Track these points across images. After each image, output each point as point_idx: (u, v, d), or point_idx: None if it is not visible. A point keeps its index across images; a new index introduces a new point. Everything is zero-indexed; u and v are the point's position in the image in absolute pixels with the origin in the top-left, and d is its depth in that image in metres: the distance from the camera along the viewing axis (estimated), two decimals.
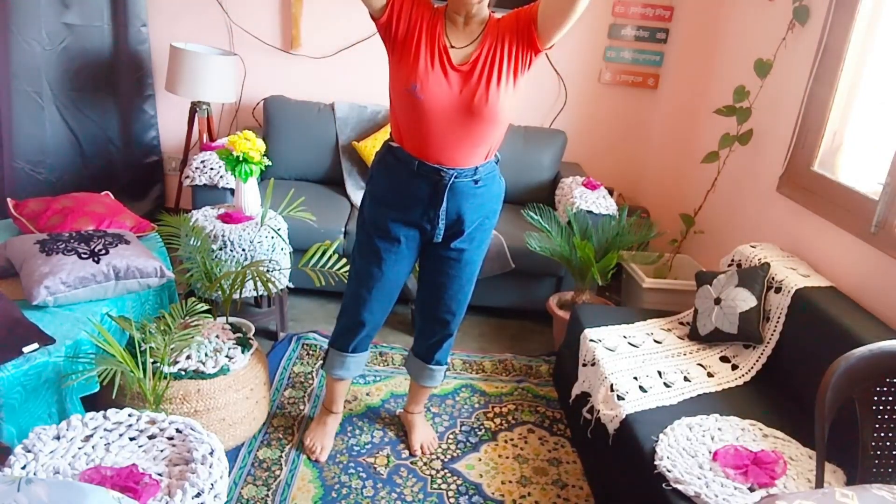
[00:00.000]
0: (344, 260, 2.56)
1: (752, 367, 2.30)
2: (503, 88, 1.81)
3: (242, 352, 2.19)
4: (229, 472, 1.89)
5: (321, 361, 2.30)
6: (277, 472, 2.15)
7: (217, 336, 2.26)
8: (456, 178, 1.90)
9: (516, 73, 1.83)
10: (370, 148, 3.38)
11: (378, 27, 1.84)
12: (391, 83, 1.89)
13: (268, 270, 2.57)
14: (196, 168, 3.01)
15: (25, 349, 1.78)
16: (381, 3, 1.78)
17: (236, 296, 2.51)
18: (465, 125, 1.84)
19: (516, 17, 1.82)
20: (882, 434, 1.53)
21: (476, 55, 1.81)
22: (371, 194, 2.03)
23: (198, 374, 2.06)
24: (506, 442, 2.41)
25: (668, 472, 1.76)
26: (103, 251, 2.17)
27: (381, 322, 2.17)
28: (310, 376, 2.66)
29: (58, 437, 1.59)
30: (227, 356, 2.16)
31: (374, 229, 2.01)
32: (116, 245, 2.22)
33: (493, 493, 2.17)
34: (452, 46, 1.82)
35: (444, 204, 1.93)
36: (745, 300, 2.34)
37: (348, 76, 3.67)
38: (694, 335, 2.47)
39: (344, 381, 2.27)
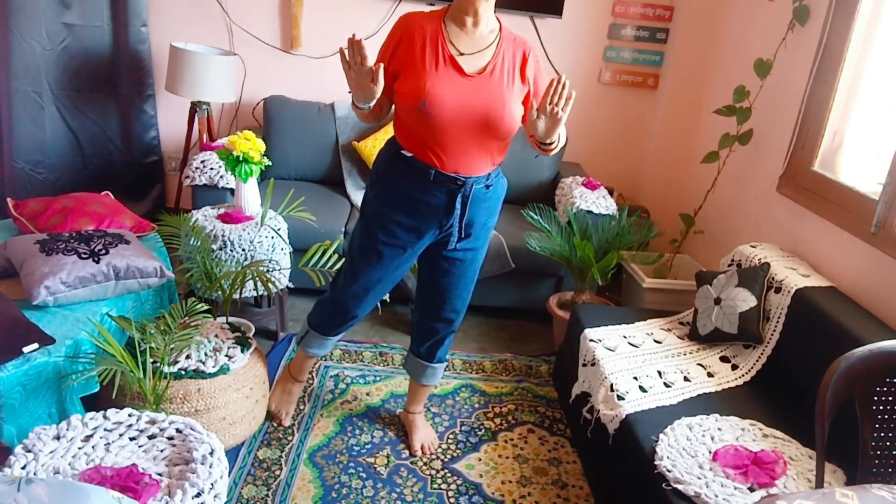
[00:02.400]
0: (344, 260, 2.56)
1: (752, 367, 2.30)
2: (516, 97, 1.83)
3: (242, 351, 2.19)
4: (229, 472, 1.89)
5: (298, 337, 2.32)
6: (277, 472, 2.15)
7: (216, 335, 2.26)
8: (474, 185, 1.91)
9: (526, 85, 1.87)
10: (370, 148, 3.37)
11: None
12: (397, 100, 1.87)
13: (268, 270, 2.57)
14: (196, 168, 3.01)
15: (25, 349, 1.78)
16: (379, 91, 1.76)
17: (236, 296, 2.51)
18: (481, 134, 1.83)
19: (532, 68, 1.86)
20: (882, 434, 1.54)
21: (492, 65, 1.81)
22: (378, 197, 2.00)
23: (198, 374, 2.06)
24: (506, 442, 2.41)
25: (668, 472, 1.76)
26: (103, 251, 2.17)
27: (368, 312, 2.24)
28: (310, 376, 2.66)
29: (58, 437, 1.59)
30: (226, 355, 2.16)
31: (380, 231, 1.99)
32: (116, 245, 2.23)
33: (493, 493, 2.17)
34: (462, 54, 1.81)
35: (465, 212, 1.93)
36: (745, 300, 2.34)
37: None
38: (694, 335, 2.47)
39: (316, 357, 2.36)
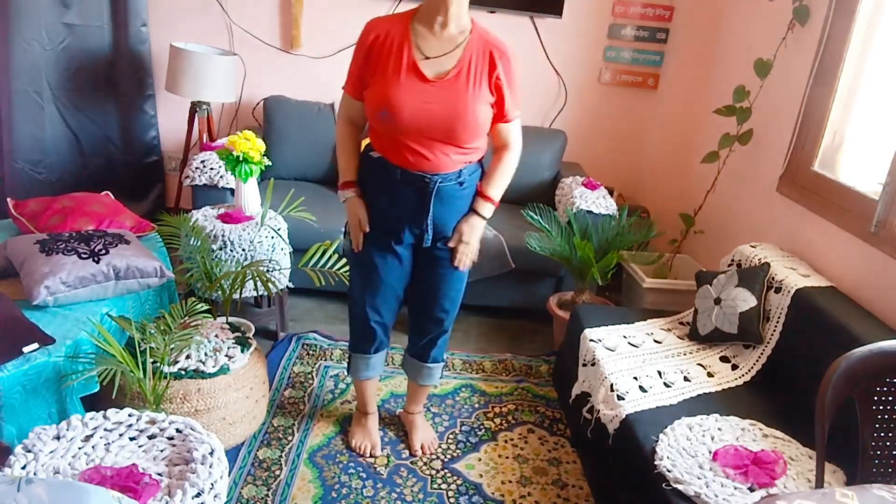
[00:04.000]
0: (344, 260, 2.56)
1: (752, 367, 2.30)
2: (482, 101, 1.81)
3: (242, 351, 2.19)
4: (229, 472, 1.89)
5: (347, 368, 2.31)
6: (277, 472, 2.15)
7: (216, 335, 2.26)
8: (441, 183, 1.89)
9: (488, 95, 1.84)
10: None
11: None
12: (365, 105, 1.88)
13: (268, 270, 2.57)
14: (196, 168, 3.01)
15: (25, 349, 1.78)
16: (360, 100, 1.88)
17: (236, 296, 2.51)
18: (445, 139, 1.83)
19: (500, 71, 1.81)
20: (882, 434, 1.53)
21: (458, 69, 1.78)
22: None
23: (198, 374, 2.06)
24: (506, 442, 2.41)
25: (668, 472, 1.76)
26: (103, 251, 2.17)
27: (394, 319, 2.20)
28: (310, 376, 2.66)
29: (58, 437, 1.59)
30: (226, 355, 2.16)
31: (372, 239, 2.02)
32: (116, 245, 2.23)
33: (493, 493, 2.17)
34: (426, 57, 1.79)
35: (429, 207, 1.92)
36: (745, 300, 2.34)
37: None
38: (694, 335, 2.47)
39: (373, 381, 2.31)
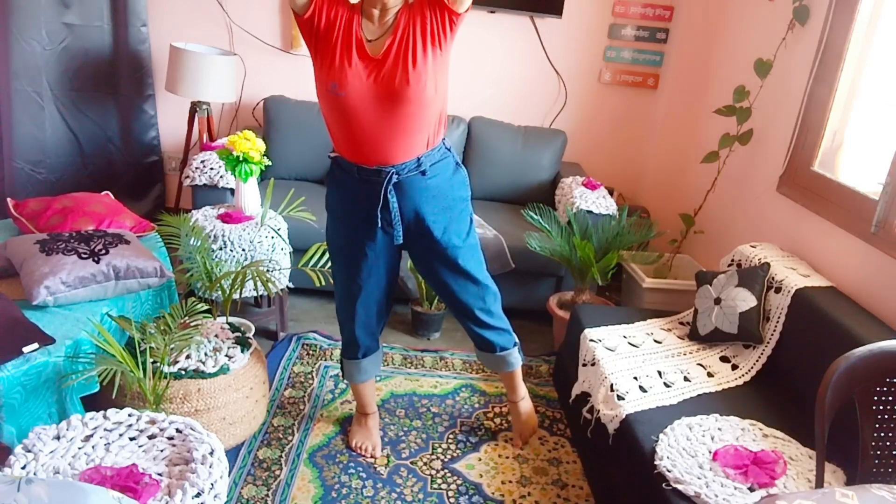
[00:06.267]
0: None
1: (752, 367, 2.30)
2: (421, 66, 1.77)
3: (241, 351, 2.19)
4: (229, 472, 1.89)
5: (341, 373, 2.32)
6: (277, 472, 2.15)
7: (216, 335, 2.26)
8: (398, 175, 1.88)
9: (436, 45, 1.79)
10: None
11: (301, 24, 1.80)
12: (316, 87, 1.86)
13: (268, 270, 2.57)
14: (196, 168, 3.01)
15: (25, 349, 1.78)
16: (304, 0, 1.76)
17: (236, 296, 2.51)
18: (393, 113, 1.80)
19: (425, 12, 1.79)
20: (882, 434, 1.53)
21: (389, 42, 1.78)
22: (329, 212, 2.06)
23: (198, 374, 2.06)
24: (506, 442, 2.41)
25: (668, 472, 1.76)
26: (103, 251, 2.17)
27: (380, 322, 2.22)
28: (310, 376, 2.66)
29: (58, 437, 1.59)
30: (226, 355, 2.16)
31: (343, 246, 2.03)
32: (116, 245, 2.23)
33: (493, 493, 2.17)
34: (368, 41, 1.80)
35: (395, 203, 1.92)
36: (745, 300, 2.34)
37: None
38: (694, 335, 2.47)
39: (368, 383, 2.31)
